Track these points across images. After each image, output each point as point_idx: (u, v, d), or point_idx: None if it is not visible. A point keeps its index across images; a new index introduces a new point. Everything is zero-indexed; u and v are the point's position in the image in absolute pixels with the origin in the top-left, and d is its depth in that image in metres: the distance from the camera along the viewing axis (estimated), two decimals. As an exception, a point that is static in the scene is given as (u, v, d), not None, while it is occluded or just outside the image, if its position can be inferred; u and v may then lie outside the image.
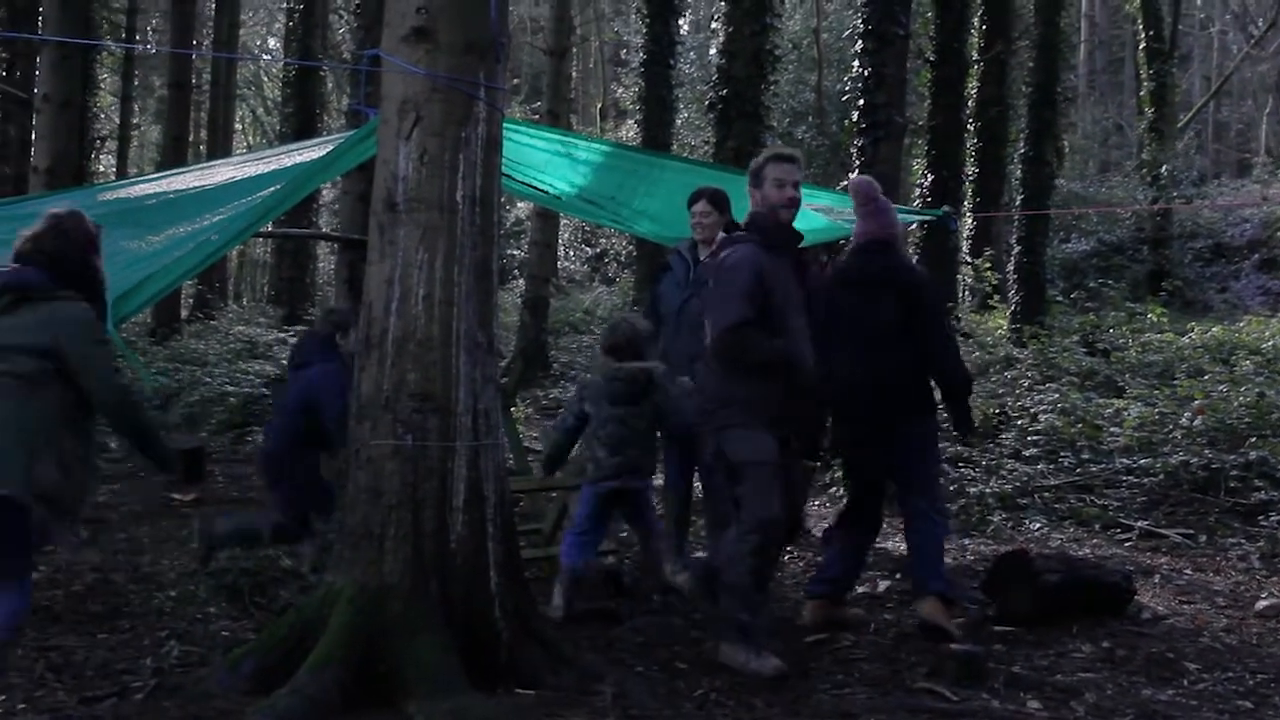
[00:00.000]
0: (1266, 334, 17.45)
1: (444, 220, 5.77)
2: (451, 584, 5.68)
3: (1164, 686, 6.21)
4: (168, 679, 5.86)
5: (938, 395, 7.39)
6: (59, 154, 12.48)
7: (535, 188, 9.95)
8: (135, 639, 6.70)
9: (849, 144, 17.26)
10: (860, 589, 8.31)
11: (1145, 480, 11.29)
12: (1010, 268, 22.27)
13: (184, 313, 28.74)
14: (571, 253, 36.14)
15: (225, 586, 7.39)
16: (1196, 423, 12.05)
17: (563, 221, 29.16)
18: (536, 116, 32.08)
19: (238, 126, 43.71)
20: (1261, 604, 7.94)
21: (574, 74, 40.60)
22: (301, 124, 25.57)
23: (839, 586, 7.49)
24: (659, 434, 7.90)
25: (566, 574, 7.50)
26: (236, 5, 32.46)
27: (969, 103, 21.51)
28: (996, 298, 21.62)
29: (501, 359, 7.96)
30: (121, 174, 30.87)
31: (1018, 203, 22.66)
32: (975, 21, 21.74)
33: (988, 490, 11.22)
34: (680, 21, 23.74)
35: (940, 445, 7.86)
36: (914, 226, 18.81)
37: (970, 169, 21.90)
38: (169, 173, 10.06)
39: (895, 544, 9.72)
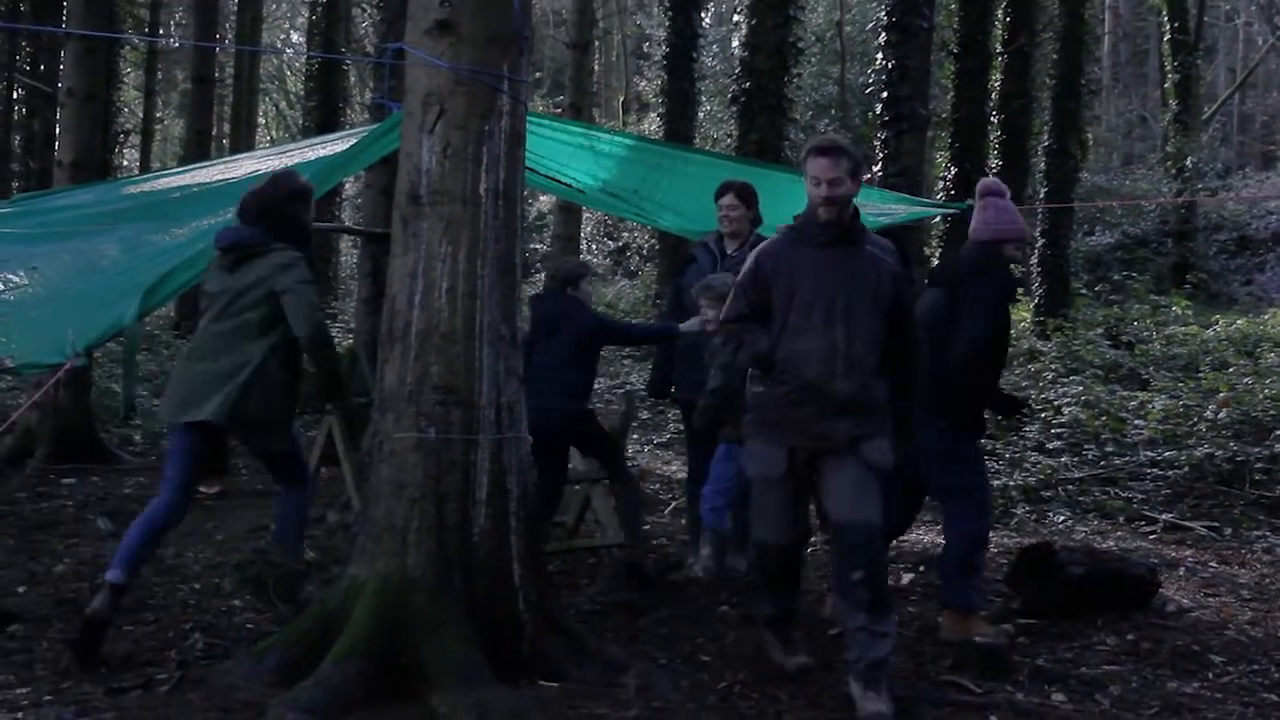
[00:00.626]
0: (1291, 326, 17.41)
1: (467, 213, 5.77)
2: (474, 577, 5.68)
3: (1189, 679, 6.19)
4: (192, 671, 5.87)
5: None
6: (83, 148, 12.48)
7: (558, 181, 9.95)
8: (160, 631, 6.71)
9: (872, 137, 17.24)
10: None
11: (1170, 473, 11.26)
12: (1034, 260, 22.25)
13: (207, 306, 28.78)
14: (594, 246, 36.12)
15: (249, 579, 7.40)
16: (1221, 415, 12.02)
17: (585, 215, 29.13)
18: (559, 110, 32.14)
19: (261, 120, 43.75)
20: (1287, 597, 7.92)
21: (596, 67, 40.57)
22: (324, 118, 25.59)
23: None
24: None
25: (713, 534, 7.58)
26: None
27: (992, 95, 21.47)
28: (1020, 290, 21.56)
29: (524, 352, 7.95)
30: (145, 168, 30.98)
31: (1041, 195, 22.62)
32: (999, 14, 21.69)
33: (1012, 483, 11.19)
34: (703, 14, 23.73)
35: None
36: (937, 219, 18.81)
37: (994, 162, 21.84)
38: (192, 166, 10.07)
39: (918, 536, 9.71)
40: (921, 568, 8.66)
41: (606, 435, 8.29)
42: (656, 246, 25.19)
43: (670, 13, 21.59)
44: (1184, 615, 7.39)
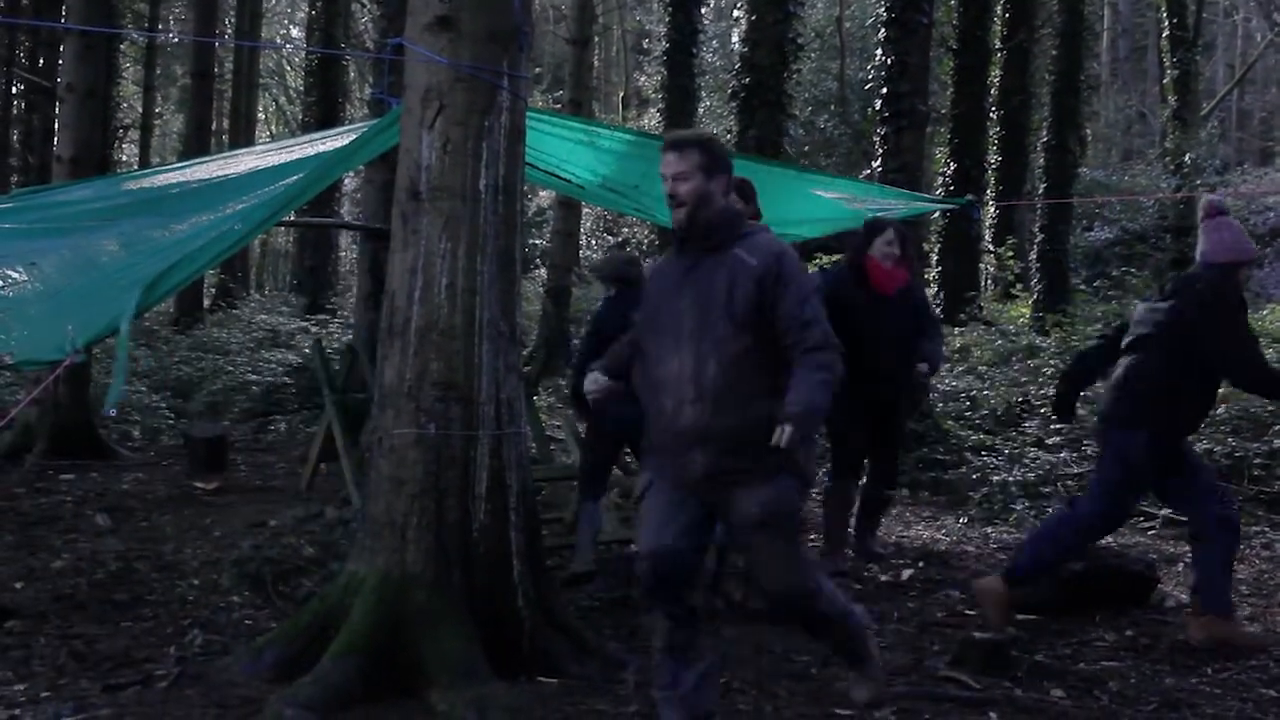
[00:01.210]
0: (1290, 322, 17.37)
1: (467, 209, 5.78)
2: (474, 573, 5.69)
3: (1187, 675, 6.20)
4: (191, 667, 5.88)
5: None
6: (83, 143, 12.49)
7: (558, 176, 9.95)
8: (158, 627, 6.72)
9: (872, 133, 17.24)
10: (884, 577, 8.30)
11: (1169, 469, 11.24)
12: (1033, 256, 22.24)
13: (207, 302, 28.86)
14: (594, 241, 36.08)
15: (248, 575, 7.41)
16: (1220, 411, 12.01)
17: (585, 210, 29.13)
18: (559, 105, 32.10)
19: (260, 116, 43.77)
20: (1286, 593, 7.93)
21: (596, 63, 40.52)
22: (324, 113, 25.61)
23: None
24: None
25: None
26: (259, -6, 32.56)
27: (992, 91, 21.47)
28: (1019, 286, 21.58)
29: (524, 348, 7.95)
30: (144, 163, 30.99)
31: (1040, 191, 22.61)
32: (998, 9, 21.69)
33: (1010, 479, 11.19)
34: (703, 10, 23.72)
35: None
36: (936, 215, 18.81)
37: (993, 157, 21.85)
38: (192, 162, 10.07)
39: (917, 532, 9.72)
40: (921, 563, 8.66)
41: None
42: (656, 242, 25.22)
43: (670, 8, 21.59)
44: (1183, 611, 7.39)
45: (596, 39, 36.49)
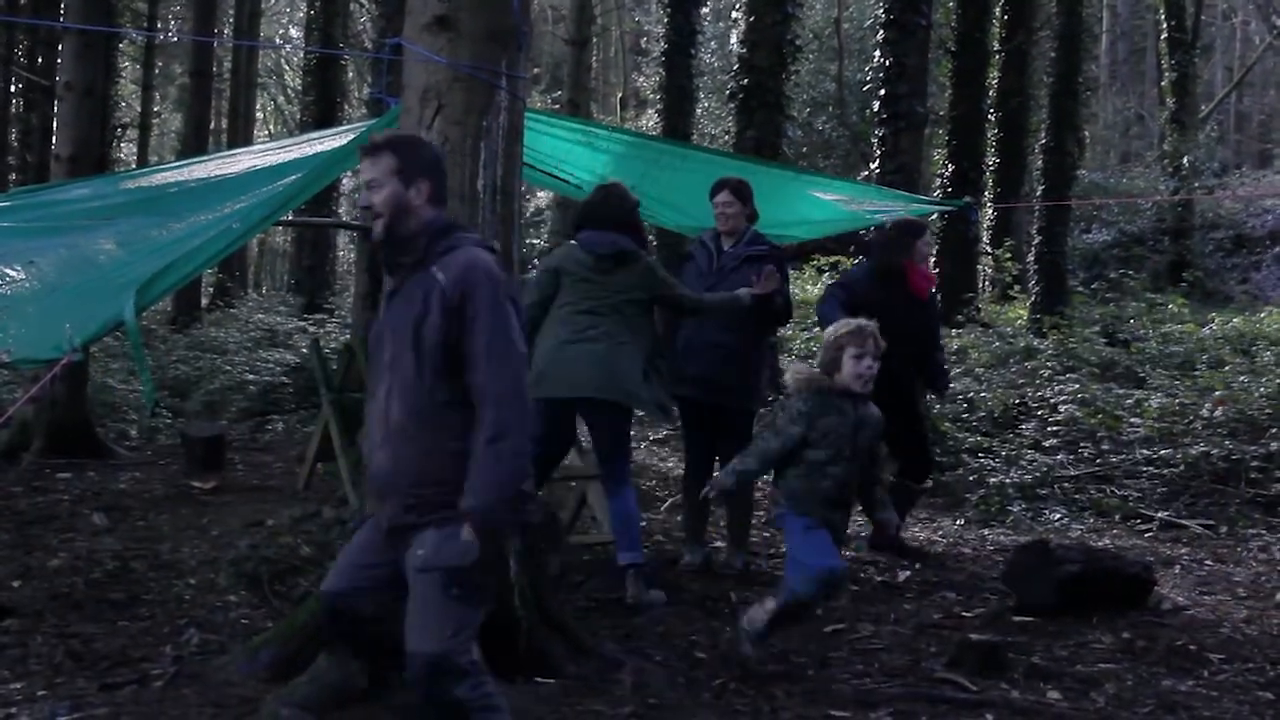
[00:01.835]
0: (1288, 325, 17.41)
1: (465, 209, 5.77)
2: (471, 573, 5.68)
3: (1184, 677, 6.19)
4: (187, 666, 5.87)
5: None
6: (81, 141, 12.47)
7: (556, 177, 9.95)
8: (155, 626, 6.72)
9: (870, 134, 17.26)
10: (880, 579, 8.31)
11: (1166, 471, 11.25)
12: (1031, 258, 22.26)
13: (204, 301, 28.87)
14: (591, 242, 36.07)
15: (245, 574, 7.41)
16: (1217, 414, 12.02)
17: (583, 211, 29.13)
18: (557, 106, 32.10)
19: (259, 115, 43.78)
20: (1283, 595, 7.93)
21: (595, 63, 40.54)
22: (322, 113, 25.60)
23: None
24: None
25: None
26: (258, -7, 32.57)
27: (990, 93, 21.50)
28: (1017, 288, 21.60)
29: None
30: (143, 162, 31.00)
31: (1038, 193, 22.63)
32: (997, 12, 21.72)
33: (1007, 480, 11.19)
34: (701, 11, 23.68)
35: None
36: (934, 217, 18.81)
37: (991, 159, 21.88)
38: (190, 161, 10.07)
39: (914, 534, 9.72)
40: (917, 565, 8.66)
41: None
42: (654, 243, 25.21)
43: (669, 9, 21.56)
44: (1179, 613, 7.39)
45: (595, 40, 36.52)
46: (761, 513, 9.07)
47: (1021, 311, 21.00)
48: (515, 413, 4.11)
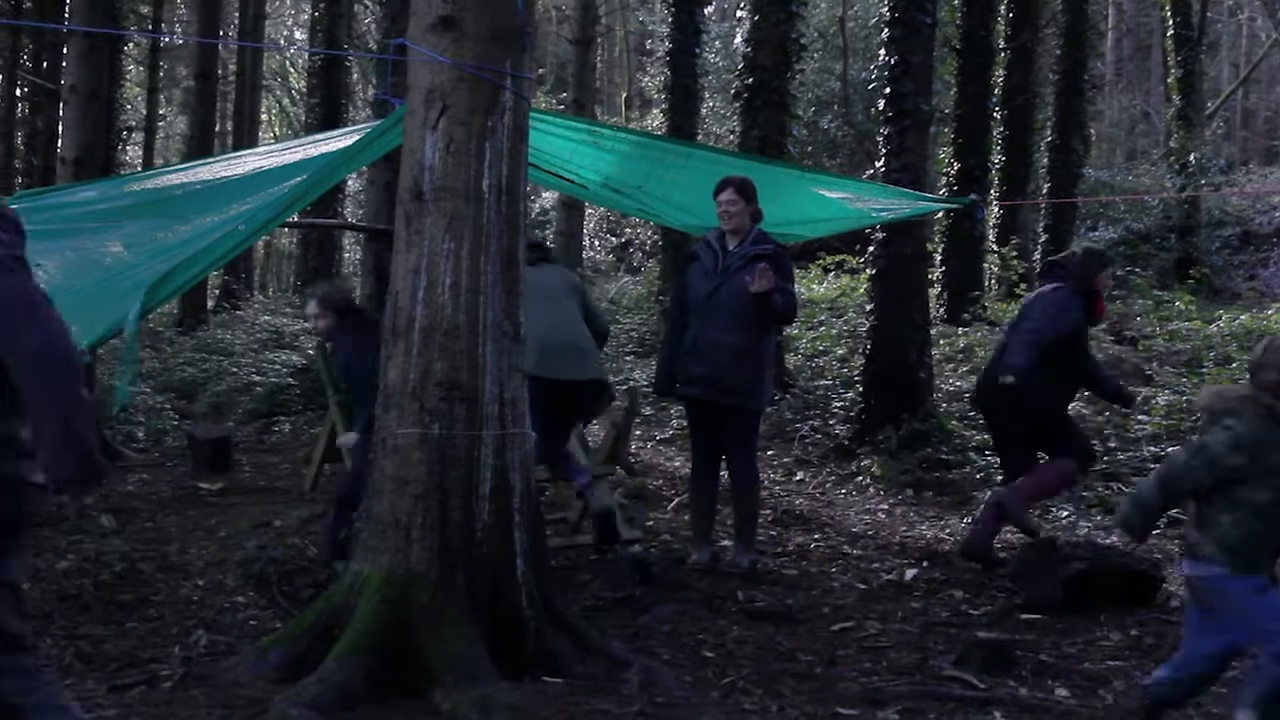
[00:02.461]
0: (1295, 321, 17.38)
1: (470, 209, 5.78)
2: (478, 573, 5.69)
3: (1192, 675, 6.19)
4: (196, 667, 5.88)
5: None
6: (86, 145, 12.50)
7: (561, 177, 9.95)
8: (163, 628, 6.73)
9: (875, 133, 17.22)
10: (887, 577, 8.30)
11: (1173, 469, 11.21)
12: (1037, 256, 22.22)
13: (210, 303, 28.83)
14: (596, 242, 36.05)
15: (253, 575, 7.42)
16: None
17: (588, 211, 29.12)
18: (562, 106, 32.11)
19: (264, 117, 43.79)
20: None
21: (599, 63, 40.55)
22: (327, 114, 25.57)
23: None
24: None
25: None
26: (262, -5, 32.60)
27: (995, 91, 21.44)
28: (1023, 286, 21.53)
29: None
30: (148, 165, 31.01)
31: (1044, 191, 22.62)
32: (1002, 9, 21.65)
33: (1014, 479, 11.17)
34: (706, 10, 23.68)
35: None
36: (940, 215, 18.80)
37: (997, 157, 21.82)
38: (196, 163, 10.08)
39: (921, 532, 9.71)
40: (925, 563, 8.65)
41: None
42: (659, 243, 25.15)
43: (673, 9, 21.54)
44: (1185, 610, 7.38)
45: (599, 40, 36.50)
46: (768, 511, 9.06)
47: (1028, 309, 20.93)
48: (57, 387, 3.70)
